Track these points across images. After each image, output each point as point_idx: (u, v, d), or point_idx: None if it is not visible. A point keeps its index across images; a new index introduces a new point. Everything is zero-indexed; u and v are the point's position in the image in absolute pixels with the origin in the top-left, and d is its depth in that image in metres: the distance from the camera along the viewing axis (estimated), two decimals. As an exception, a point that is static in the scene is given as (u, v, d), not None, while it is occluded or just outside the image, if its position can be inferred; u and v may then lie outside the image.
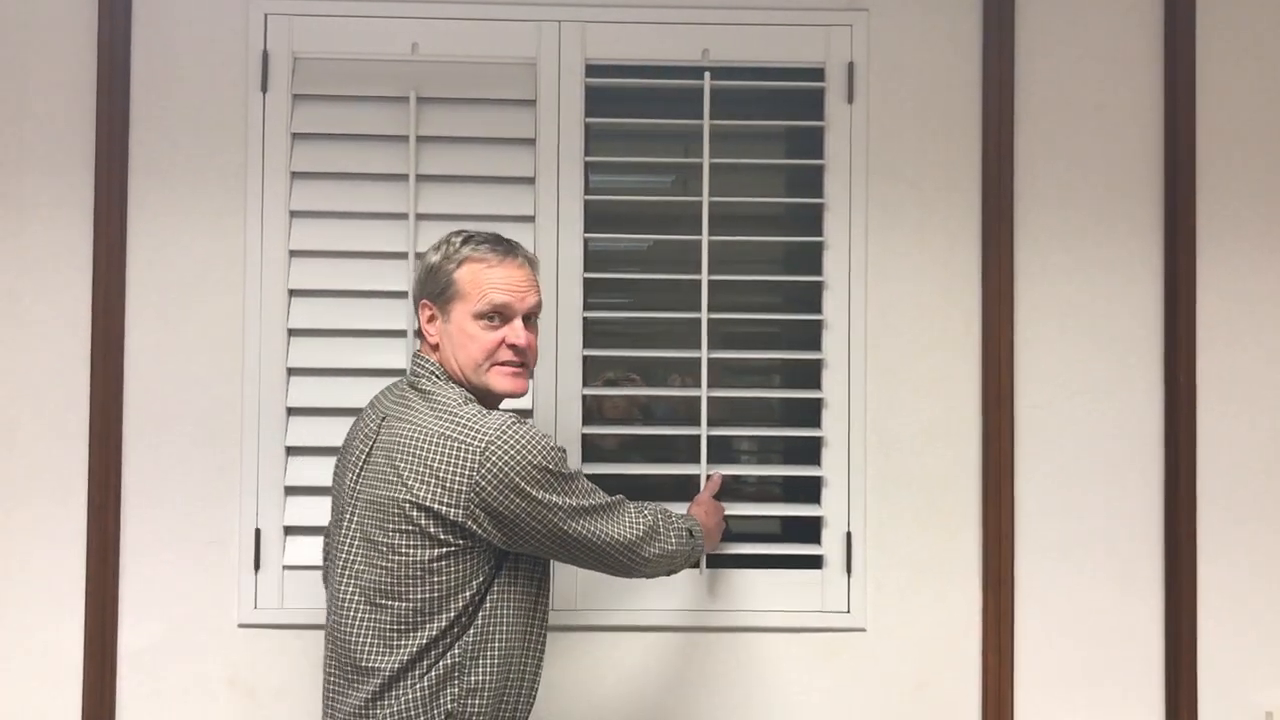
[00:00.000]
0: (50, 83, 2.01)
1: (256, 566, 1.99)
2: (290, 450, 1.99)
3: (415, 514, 1.47)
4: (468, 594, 1.50)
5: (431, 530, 1.47)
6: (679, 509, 1.82)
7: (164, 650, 1.99)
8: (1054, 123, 2.07)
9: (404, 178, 1.99)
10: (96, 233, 1.99)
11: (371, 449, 1.55)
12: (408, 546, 1.48)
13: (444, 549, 1.48)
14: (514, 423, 1.50)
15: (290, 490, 1.99)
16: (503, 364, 1.58)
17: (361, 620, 1.52)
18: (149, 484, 1.99)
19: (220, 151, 2.01)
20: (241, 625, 1.99)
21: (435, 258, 1.60)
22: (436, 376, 1.58)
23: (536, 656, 1.61)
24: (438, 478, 1.46)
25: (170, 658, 1.99)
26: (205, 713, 1.99)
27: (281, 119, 2.00)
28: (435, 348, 1.59)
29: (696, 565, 1.98)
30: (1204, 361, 2.05)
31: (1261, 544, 2.06)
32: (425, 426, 1.50)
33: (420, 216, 1.98)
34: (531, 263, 1.64)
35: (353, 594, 1.54)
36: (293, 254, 2.00)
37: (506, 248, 1.61)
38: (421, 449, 1.48)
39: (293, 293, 2.00)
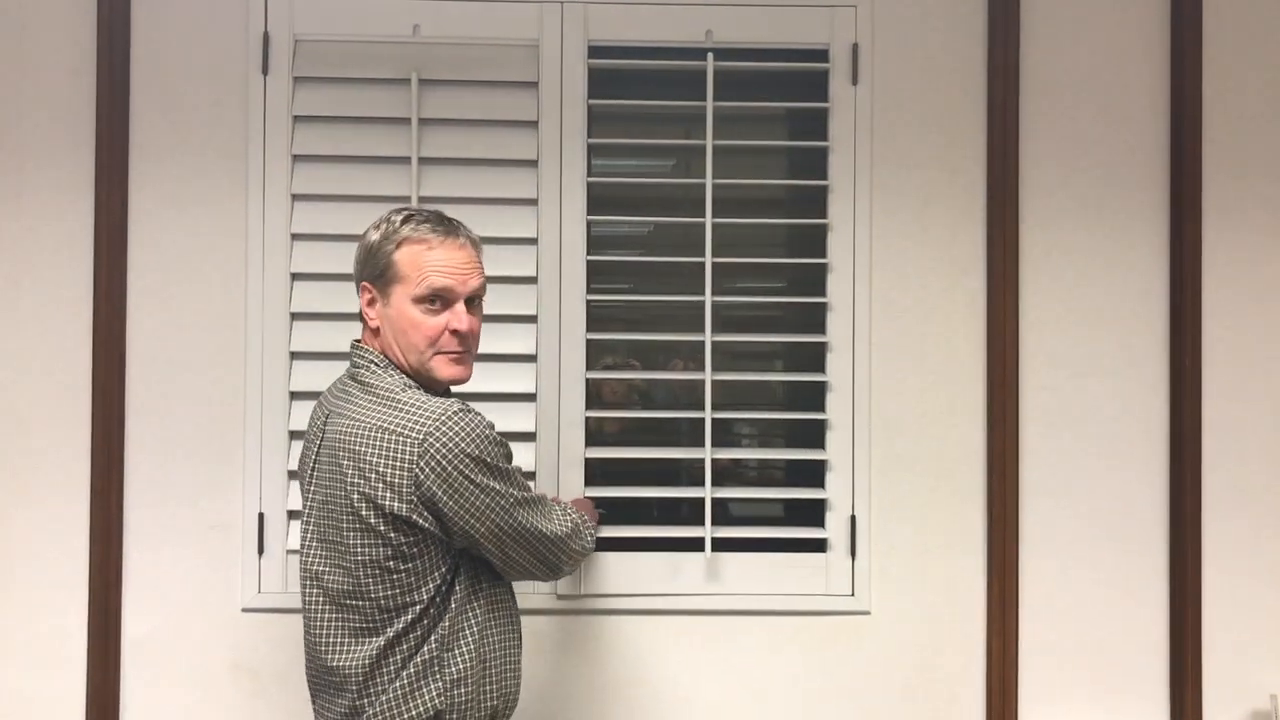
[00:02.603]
0: (49, 66, 1.99)
1: (260, 551, 1.98)
2: (294, 434, 1.98)
3: (364, 511, 1.44)
4: (430, 587, 1.47)
5: (381, 528, 1.44)
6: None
7: (168, 635, 1.98)
8: (1059, 104, 2.06)
9: (406, 160, 1.98)
10: (97, 217, 1.98)
11: (319, 448, 1.52)
12: (361, 545, 1.45)
13: (395, 545, 1.44)
14: (455, 411, 1.45)
15: (294, 474, 1.98)
16: (445, 351, 1.53)
17: (329, 623, 1.50)
18: (152, 469, 1.99)
19: (221, 134, 2.00)
20: (245, 610, 1.99)
21: (374, 236, 1.54)
22: (376, 365, 1.53)
23: (513, 640, 1.59)
24: (378, 472, 1.43)
25: (174, 643, 1.98)
26: (209, 697, 1.99)
27: (282, 101, 1.99)
28: (376, 333, 1.54)
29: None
30: (1209, 344, 2.05)
31: (1267, 527, 2.05)
32: (364, 420, 1.46)
33: (423, 200, 1.97)
34: (474, 243, 1.58)
35: (317, 596, 1.52)
36: (294, 237, 1.99)
37: (448, 227, 1.54)
38: (361, 444, 1.44)
39: (294, 276, 1.99)
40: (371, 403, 1.48)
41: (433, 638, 1.49)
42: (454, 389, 1.62)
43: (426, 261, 1.51)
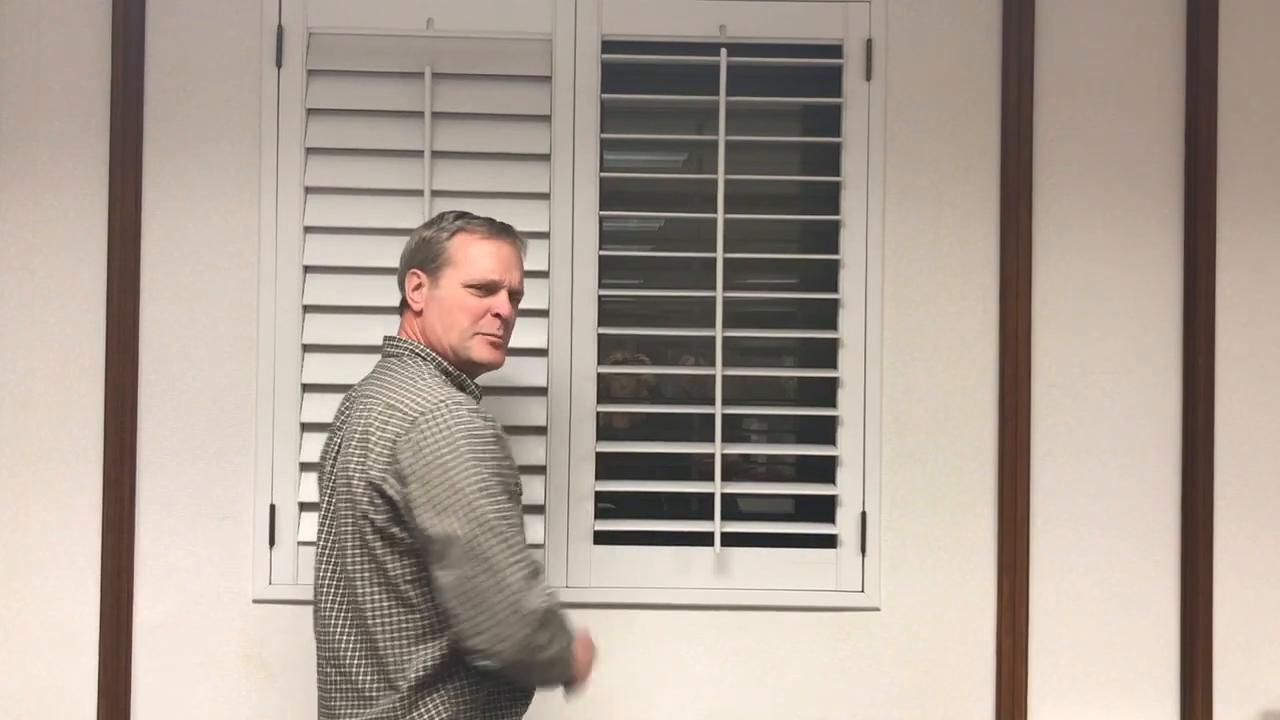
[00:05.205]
0: (65, 59, 2.00)
1: (271, 542, 1.99)
2: (305, 426, 1.98)
3: (358, 487, 1.46)
4: (413, 582, 1.46)
5: (369, 506, 1.45)
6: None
7: (179, 624, 1.99)
8: (1074, 101, 2.05)
9: (419, 154, 1.98)
10: (111, 208, 1.99)
11: (342, 435, 1.54)
12: (358, 527, 1.47)
13: (369, 518, 1.45)
14: (459, 402, 1.46)
15: (305, 466, 1.98)
16: (485, 333, 1.58)
17: (338, 610, 1.51)
18: (164, 460, 1.99)
19: (235, 127, 2.00)
20: (256, 601, 1.99)
21: (428, 232, 1.61)
22: (413, 353, 1.57)
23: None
24: (370, 444, 1.45)
25: (185, 632, 1.99)
26: (220, 686, 2.00)
27: (296, 94, 1.99)
28: (419, 314, 1.59)
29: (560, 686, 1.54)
30: (1222, 342, 2.04)
31: (1279, 526, 2.04)
32: (381, 398, 1.49)
33: (435, 193, 1.98)
34: (522, 246, 1.65)
35: (331, 584, 1.52)
36: (307, 230, 2.00)
37: (501, 227, 1.63)
38: (371, 421, 1.47)
39: (307, 269, 2.00)
40: (393, 384, 1.51)
41: (434, 648, 1.46)
42: (479, 388, 1.64)
43: (479, 250, 1.58)
